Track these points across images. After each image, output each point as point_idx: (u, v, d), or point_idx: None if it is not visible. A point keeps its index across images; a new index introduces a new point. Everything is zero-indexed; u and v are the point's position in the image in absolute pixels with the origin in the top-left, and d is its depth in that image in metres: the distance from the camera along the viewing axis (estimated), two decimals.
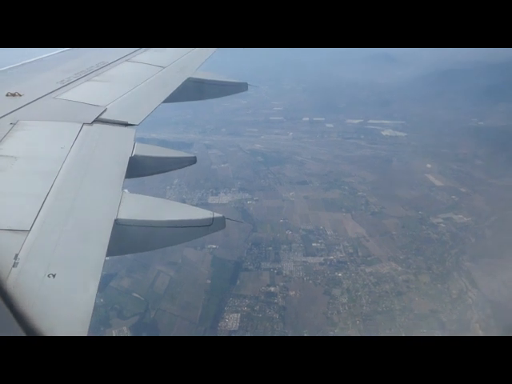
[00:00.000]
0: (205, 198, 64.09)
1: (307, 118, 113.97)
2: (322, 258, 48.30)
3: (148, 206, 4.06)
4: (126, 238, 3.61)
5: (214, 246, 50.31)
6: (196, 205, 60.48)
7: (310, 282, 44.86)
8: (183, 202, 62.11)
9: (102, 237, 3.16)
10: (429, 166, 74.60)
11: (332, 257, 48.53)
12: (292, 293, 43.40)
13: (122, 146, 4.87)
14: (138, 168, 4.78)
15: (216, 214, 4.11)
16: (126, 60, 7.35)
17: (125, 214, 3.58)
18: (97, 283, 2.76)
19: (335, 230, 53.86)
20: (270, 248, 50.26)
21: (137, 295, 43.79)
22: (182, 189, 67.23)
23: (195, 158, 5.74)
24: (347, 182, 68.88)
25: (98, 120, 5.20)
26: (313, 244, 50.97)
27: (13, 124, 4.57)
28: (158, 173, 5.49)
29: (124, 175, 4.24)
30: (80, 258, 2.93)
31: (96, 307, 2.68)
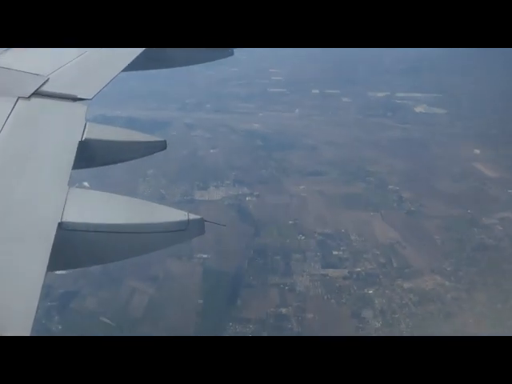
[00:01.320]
0: (190, 193, 63.62)
1: (317, 91, 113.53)
2: (347, 271, 48.09)
3: (103, 206, 4.13)
4: (75, 247, 3.65)
5: (206, 256, 49.84)
6: (179, 203, 60.49)
7: (333, 301, 44.51)
8: (161, 198, 61.60)
9: (42, 245, 3.17)
10: (477, 151, 74.90)
11: (359, 268, 48.37)
12: (309, 315, 42.87)
13: (70, 126, 4.96)
14: (90, 156, 4.91)
15: (192, 216, 4.24)
16: None
17: (72, 216, 3.61)
18: (34, 306, 2.84)
19: (361, 234, 53.70)
20: (278, 257, 50.00)
21: (106, 320, 42.81)
22: (158, 182, 66.76)
23: (165, 142, 5.97)
24: (373, 172, 68.95)
25: (37, 93, 5.20)
26: (333, 252, 50.89)
27: None
28: (116, 162, 5.69)
29: (71, 165, 4.29)
30: (13, 273, 2.97)
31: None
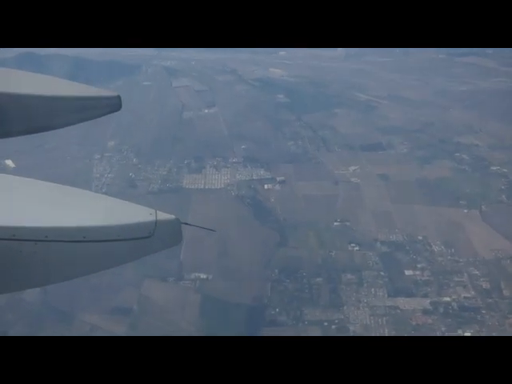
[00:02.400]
0: (176, 176, 63.78)
1: None
2: (428, 301, 47.52)
3: (23, 200, 4.31)
4: None
5: (204, 276, 49.75)
6: (157, 193, 60.99)
7: None
8: (129, 186, 61.82)
9: None
10: None
11: (447, 298, 47.75)
12: None
13: None
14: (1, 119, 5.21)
15: (163, 216, 4.31)
16: None
17: None
18: None
19: (449, 243, 53.24)
20: (319, 279, 49.53)
21: None
22: (126, 158, 67.32)
23: (117, 98, 6.17)
24: (463, 143, 69.39)
25: None
26: (405, 272, 50.45)
27: None
28: (39, 130, 5.94)
29: None
30: None
31: None
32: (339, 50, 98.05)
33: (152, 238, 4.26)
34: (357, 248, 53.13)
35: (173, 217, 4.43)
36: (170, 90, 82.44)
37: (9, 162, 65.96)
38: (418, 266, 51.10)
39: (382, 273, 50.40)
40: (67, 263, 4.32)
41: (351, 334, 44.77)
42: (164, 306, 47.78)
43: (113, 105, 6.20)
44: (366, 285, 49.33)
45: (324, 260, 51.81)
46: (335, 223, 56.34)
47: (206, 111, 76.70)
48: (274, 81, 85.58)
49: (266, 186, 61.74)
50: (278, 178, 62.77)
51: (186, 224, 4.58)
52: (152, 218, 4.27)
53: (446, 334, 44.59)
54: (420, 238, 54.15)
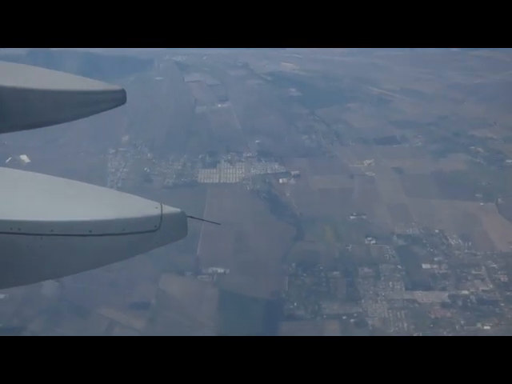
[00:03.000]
0: (190, 170, 63.91)
1: None
2: (446, 294, 47.42)
3: (24, 194, 4.34)
4: None
5: (221, 271, 49.76)
6: (173, 188, 61.03)
7: None
8: (145, 181, 61.93)
9: None
10: None
11: (465, 291, 47.63)
12: None
13: None
14: (1, 114, 5.31)
15: (168, 209, 4.31)
16: None
17: None
18: None
19: (466, 237, 53.10)
20: (336, 273, 49.55)
21: None
22: (140, 153, 67.47)
23: (122, 92, 6.20)
24: (478, 136, 69.19)
25: None
26: (423, 265, 50.36)
27: None
28: (43, 124, 5.97)
29: None
30: None
31: None
32: None
33: (158, 232, 4.27)
34: (373, 241, 53.01)
35: (178, 210, 4.43)
36: (183, 84, 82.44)
37: (23, 157, 66.19)
38: (435, 259, 50.93)
39: (399, 266, 50.24)
40: (73, 257, 4.32)
41: (370, 328, 44.76)
42: (182, 300, 47.76)
43: (118, 99, 6.22)
44: (383, 278, 49.19)
45: (341, 254, 51.69)
46: (351, 217, 56.19)
47: (219, 106, 76.62)
48: (286, 75, 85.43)
49: (280, 181, 61.61)
50: (292, 172, 62.61)
51: (192, 217, 4.54)
52: (157, 212, 4.27)
53: (464, 329, 44.55)
54: (436, 231, 53.98)
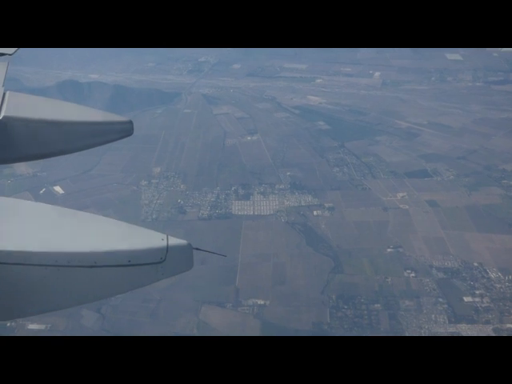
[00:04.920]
0: (224, 202, 64.09)
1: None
2: (491, 328, 46.93)
3: (25, 223, 4.40)
4: None
5: (261, 303, 49.49)
6: (207, 219, 61.22)
7: None
8: (180, 213, 61.96)
9: None
10: None
11: (510, 324, 46.98)
12: None
13: None
14: (9, 144, 5.35)
15: (174, 241, 4.32)
16: None
17: None
18: None
19: (506, 270, 52.61)
20: (378, 305, 49.33)
21: None
22: (173, 184, 67.66)
23: (130, 124, 6.26)
24: (509, 170, 68.74)
25: None
26: (464, 298, 49.94)
27: None
28: (52, 155, 6.06)
29: None
30: None
31: None
32: (375, 78, 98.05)
33: (163, 264, 4.26)
34: (412, 274, 52.64)
35: (185, 242, 4.42)
36: (211, 117, 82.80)
37: (57, 188, 66.67)
38: (477, 292, 50.48)
39: (441, 299, 49.76)
40: (78, 288, 4.34)
41: None
42: (224, 331, 47.47)
43: (125, 130, 6.26)
44: (425, 311, 48.71)
45: (381, 286, 51.37)
46: (388, 249, 55.93)
47: (249, 138, 76.84)
48: (313, 108, 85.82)
49: (315, 213, 61.51)
50: (326, 205, 62.56)
51: (198, 249, 4.55)
52: (163, 244, 4.28)
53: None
54: (475, 264, 53.63)
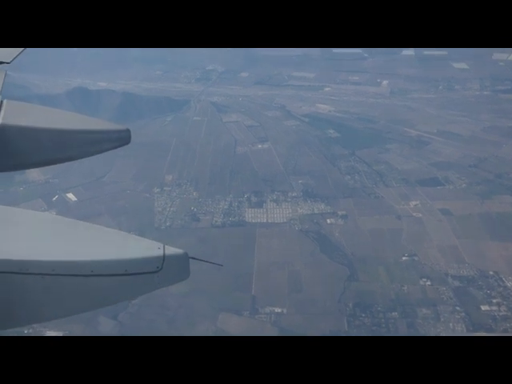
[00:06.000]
0: (237, 210, 64.13)
1: (411, 52, 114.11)
2: (510, 336, 46.61)
3: (23, 232, 4.40)
4: None
5: (279, 310, 49.40)
6: (222, 225, 61.27)
7: None
8: (193, 220, 62.00)
9: None
10: None
11: None
12: None
13: None
14: (6, 151, 5.33)
15: (170, 250, 4.32)
16: None
17: None
18: None
19: None
20: (395, 314, 49.22)
21: None
22: (185, 191, 67.86)
23: (127, 132, 6.28)
24: None
25: None
26: (482, 307, 49.85)
27: None
28: (51, 163, 6.10)
29: None
30: None
31: None
32: (383, 86, 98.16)
33: (160, 273, 4.26)
34: (428, 282, 52.54)
35: (181, 251, 4.42)
36: (221, 125, 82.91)
37: (70, 196, 66.67)
38: (494, 301, 50.33)
39: (458, 308, 49.66)
40: (75, 297, 4.34)
41: None
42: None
43: (123, 138, 6.25)
44: (443, 320, 48.61)
45: (397, 295, 51.20)
46: (403, 258, 55.83)
47: (260, 146, 76.89)
48: (323, 116, 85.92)
49: (328, 221, 61.46)
50: (339, 213, 62.51)
51: (194, 259, 4.54)
52: (160, 253, 4.29)
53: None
54: (491, 273, 53.48)
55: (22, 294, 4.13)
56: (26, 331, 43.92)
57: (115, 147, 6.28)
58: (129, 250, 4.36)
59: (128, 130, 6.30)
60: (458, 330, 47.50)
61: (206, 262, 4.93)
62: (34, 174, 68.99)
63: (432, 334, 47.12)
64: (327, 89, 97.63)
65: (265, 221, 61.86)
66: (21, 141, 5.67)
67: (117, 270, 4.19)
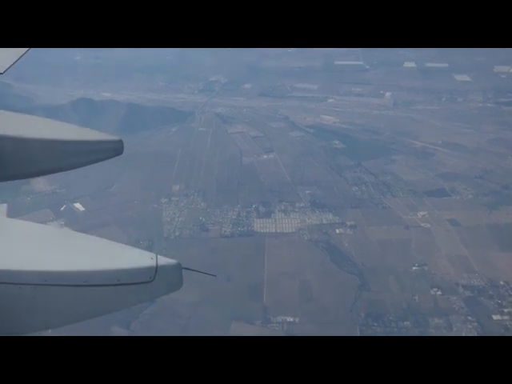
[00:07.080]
0: (245, 220, 64.37)
1: (413, 64, 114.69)
2: None
3: (14, 242, 4.38)
4: None
5: (291, 319, 49.55)
6: (231, 236, 61.55)
7: None
8: (202, 230, 62.08)
9: None
10: None
11: None
12: None
13: None
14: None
15: (163, 260, 4.30)
16: None
17: None
18: None
19: None
20: (407, 323, 49.38)
21: None
22: (193, 202, 68.17)
23: (120, 143, 6.25)
24: None
25: None
26: (493, 317, 50.02)
27: None
28: (43, 173, 6.14)
29: None
30: None
31: None
32: (386, 98, 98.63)
33: (153, 283, 4.25)
34: (439, 292, 52.67)
35: (174, 262, 4.40)
36: (226, 135, 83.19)
37: (78, 205, 66.75)
38: (505, 310, 50.49)
39: (470, 317, 49.81)
40: (67, 307, 4.35)
41: None
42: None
43: (115, 149, 6.24)
44: (455, 329, 48.69)
45: (408, 304, 51.32)
46: (413, 268, 55.99)
47: (265, 156, 77.13)
48: (327, 127, 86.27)
49: (337, 231, 61.63)
50: (348, 223, 62.74)
51: (187, 269, 4.53)
52: (153, 263, 4.26)
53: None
54: (501, 283, 53.67)
55: (13, 304, 4.13)
56: None
57: (108, 157, 6.28)
58: (121, 260, 4.34)
59: (121, 141, 6.28)
60: None
61: (200, 272, 5.00)
62: (41, 184, 69.12)
63: None
64: (330, 100, 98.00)
65: (274, 231, 62.04)
66: (13, 151, 5.70)
67: (109, 280, 4.18)
